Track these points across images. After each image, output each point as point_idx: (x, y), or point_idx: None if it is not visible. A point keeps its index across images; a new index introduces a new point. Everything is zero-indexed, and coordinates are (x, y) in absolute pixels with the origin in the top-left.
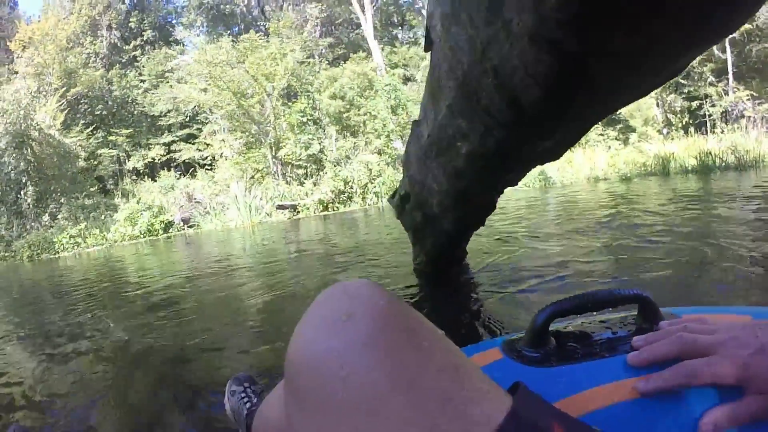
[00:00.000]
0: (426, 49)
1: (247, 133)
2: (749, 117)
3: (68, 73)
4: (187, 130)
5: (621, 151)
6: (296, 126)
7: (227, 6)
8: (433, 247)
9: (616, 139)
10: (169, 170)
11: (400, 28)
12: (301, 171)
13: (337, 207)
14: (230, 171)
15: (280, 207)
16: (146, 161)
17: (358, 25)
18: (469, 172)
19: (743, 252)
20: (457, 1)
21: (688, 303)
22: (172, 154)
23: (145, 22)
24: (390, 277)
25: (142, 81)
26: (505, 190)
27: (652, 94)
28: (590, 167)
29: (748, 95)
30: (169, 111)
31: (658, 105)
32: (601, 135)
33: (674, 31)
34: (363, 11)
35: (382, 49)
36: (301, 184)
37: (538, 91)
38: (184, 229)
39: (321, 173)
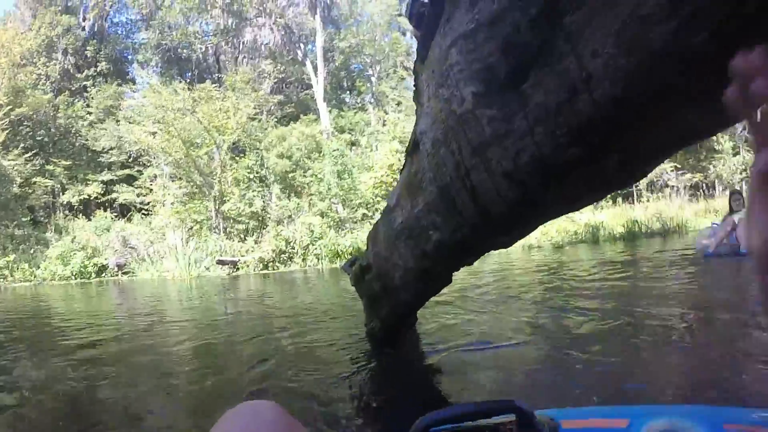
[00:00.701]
0: (408, 152)
1: (191, 183)
2: (672, 186)
3: (16, 92)
4: (127, 171)
5: (553, 220)
6: (242, 182)
7: (184, 51)
8: (390, 314)
9: None
10: (105, 210)
11: (348, 93)
12: (241, 227)
13: (278, 266)
14: (169, 219)
15: (221, 262)
16: (81, 197)
17: (309, 86)
18: (435, 256)
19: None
20: (450, 134)
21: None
22: (109, 195)
23: (102, 52)
24: (341, 340)
25: (89, 113)
26: None
27: None
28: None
29: (671, 167)
30: (111, 148)
31: None
32: None
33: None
34: (315, 73)
35: (330, 112)
36: (243, 240)
37: (505, 207)
38: (117, 275)
39: (262, 231)
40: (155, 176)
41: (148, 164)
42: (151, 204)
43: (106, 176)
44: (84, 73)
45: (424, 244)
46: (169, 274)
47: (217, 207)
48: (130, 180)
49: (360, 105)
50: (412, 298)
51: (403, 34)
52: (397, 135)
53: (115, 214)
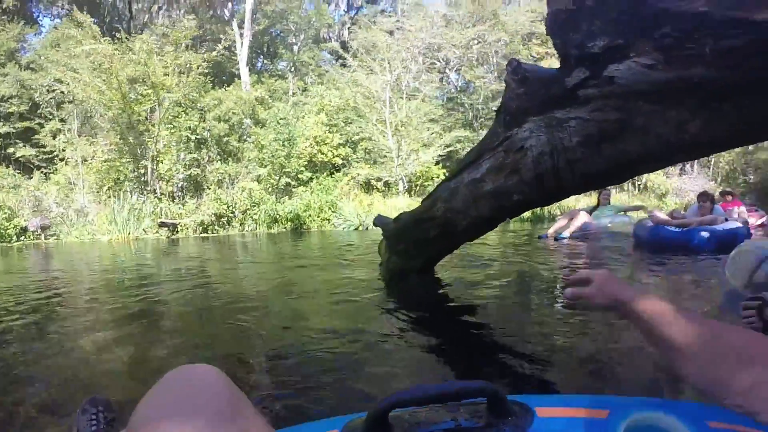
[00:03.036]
0: (504, 150)
1: (123, 140)
2: None
3: None
4: (26, 123)
5: None
6: (181, 142)
7: None
8: (437, 252)
9: None
10: (7, 166)
11: (270, 59)
12: (173, 189)
13: (217, 230)
14: (79, 178)
15: (162, 224)
16: None
17: (227, 47)
18: (509, 209)
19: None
20: (555, 152)
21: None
22: (8, 148)
23: None
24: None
25: None
26: None
27: None
28: None
29: None
30: (12, 97)
31: None
32: None
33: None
34: (242, 36)
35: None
36: (182, 203)
37: (570, 187)
38: (40, 238)
39: (199, 194)
40: (58, 130)
41: (50, 117)
42: (50, 159)
43: (3, 128)
44: None
45: (505, 201)
46: (104, 237)
47: (154, 167)
48: (29, 133)
49: (280, 72)
50: (462, 240)
51: (328, 4)
52: (324, 106)
53: (18, 171)
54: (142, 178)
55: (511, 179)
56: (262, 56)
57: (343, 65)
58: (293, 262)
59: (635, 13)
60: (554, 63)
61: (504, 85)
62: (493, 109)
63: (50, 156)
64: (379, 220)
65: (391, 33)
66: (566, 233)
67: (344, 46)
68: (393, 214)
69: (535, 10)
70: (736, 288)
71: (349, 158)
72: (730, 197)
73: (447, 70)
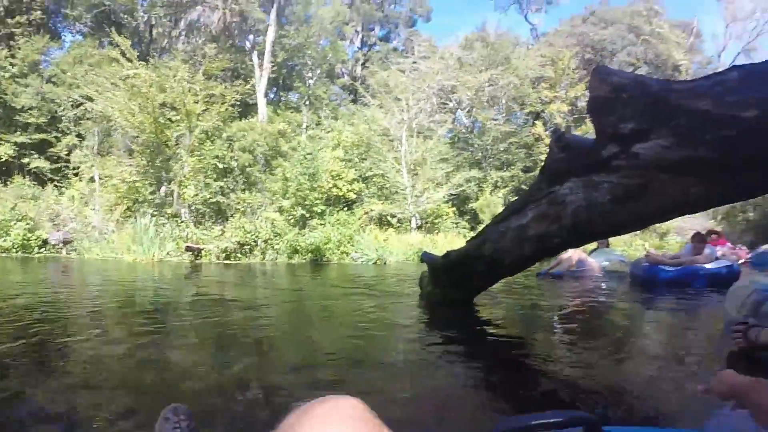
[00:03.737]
0: (546, 202)
1: (148, 163)
2: None
3: None
4: (43, 135)
5: (468, 236)
6: (208, 170)
7: (125, 16)
8: (481, 285)
9: (464, 227)
10: (24, 177)
11: (285, 92)
12: (196, 214)
13: (239, 257)
14: (102, 195)
15: (189, 248)
16: None
17: (245, 78)
18: (550, 249)
19: None
20: (589, 205)
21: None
22: (23, 159)
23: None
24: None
25: (12, 64)
26: None
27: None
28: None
29: None
30: (31, 108)
31: (504, 205)
32: (455, 223)
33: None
34: (261, 66)
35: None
36: (206, 228)
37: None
38: (60, 252)
39: (221, 221)
40: (74, 145)
41: (68, 132)
42: (64, 175)
43: (20, 138)
44: (15, 19)
45: (547, 244)
46: (128, 256)
47: (180, 192)
48: (44, 145)
49: (295, 105)
50: (506, 274)
51: (342, 40)
52: (340, 141)
53: (33, 182)
54: (164, 201)
55: (553, 226)
56: (276, 88)
57: (354, 101)
58: (336, 290)
59: (658, 106)
60: (562, 107)
61: (512, 127)
62: (501, 149)
63: (64, 170)
64: (426, 256)
65: (402, 71)
66: (561, 270)
67: (356, 81)
68: (407, 250)
69: (545, 55)
70: (736, 317)
71: (362, 193)
72: (715, 236)
73: (459, 111)
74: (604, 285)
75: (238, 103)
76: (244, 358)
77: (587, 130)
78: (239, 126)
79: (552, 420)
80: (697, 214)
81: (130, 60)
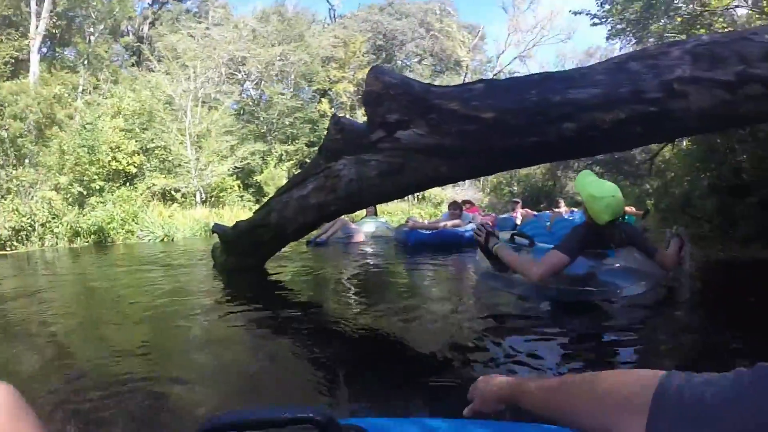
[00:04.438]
0: (324, 175)
1: None
2: None
3: None
4: None
5: (254, 209)
6: None
7: None
8: (269, 252)
9: (249, 200)
10: None
11: (63, 47)
12: None
13: (15, 246)
14: None
15: None
16: None
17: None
18: (328, 215)
19: None
20: (360, 177)
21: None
22: None
23: None
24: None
25: None
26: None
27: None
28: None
29: None
30: None
31: (287, 178)
32: (239, 196)
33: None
34: (38, 17)
35: None
36: None
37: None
38: None
39: None
40: None
41: None
42: None
43: None
44: None
45: (325, 211)
46: None
47: None
48: None
49: (71, 64)
50: (291, 239)
51: None
52: (121, 109)
53: None
54: None
55: (330, 196)
56: (51, 42)
57: (137, 64)
58: (126, 270)
59: (417, 103)
60: (348, 87)
61: (298, 102)
62: (287, 123)
63: None
64: (218, 228)
65: (193, 37)
66: (324, 237)
67: (142, 42)
68: (193, 225)
69: (338, 37)
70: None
71: (143, 167)
72: (469, 205)
73: (247, 83)
74: (370, 249)
75: (12, 60)
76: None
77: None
78: (10, 88)
79: (270, 418)
80: (467, 187)
81: None
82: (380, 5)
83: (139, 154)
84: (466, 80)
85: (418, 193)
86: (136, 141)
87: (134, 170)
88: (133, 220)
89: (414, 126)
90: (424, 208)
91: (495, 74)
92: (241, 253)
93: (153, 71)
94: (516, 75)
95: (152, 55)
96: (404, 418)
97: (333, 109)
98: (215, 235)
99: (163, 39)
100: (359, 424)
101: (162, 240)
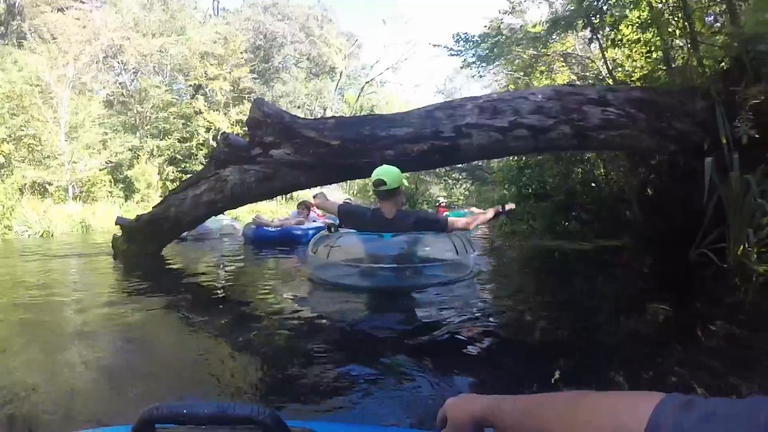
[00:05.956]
0: (212, 173)
1: None
2: None
3: None
4: None
5: (125, 205)
6: None
7: None
8: (166, 240)
9: (118, 196)
10: None
11: None
12: None
13: None
14: None
15: None
16: None
17: None
18: (214, 212)
19: None
20: (247, 181)
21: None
22: None
23: None
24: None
25: None
26: None
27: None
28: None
29: None
30: None
31: (159, 174)
32: (109, 191)
33: None
34: None
35: None
36: None
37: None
38: None
39: None
40: None
41: None
42: None
43: None
44: None
45: (214, 208)
46: None
47: None
48: None
49: None
50: (186, 229)
51: None
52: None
53: None
54: None
55: (219, 195)
56: None
57: (2, 36)
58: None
59: (287, 130)
60: (224, 84)
61: (173, 96)
62: (160, 117)
63: None
64: (121, 220)
65: (77, 19)
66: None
67: (13, 11)
68: (68, 221)
69: (219, 33)
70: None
71: (11, 157)
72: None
73: (123, 73)
74: (223, 245)
75: None
76: None
77: (242, 110)
78: None
79: (214, 414)
80: (333, 189)
81: None
82: (265, 4)
83: (7, 143)
84: (340, 84)
85: (287, 195)
86: (6, 128)
87: (2, 160)
88: (10, 214)
89: (283, 146)
90: (292, 207)
91: (368, 81)
92: (143, 241)
93: (24, 48)
94: (386, 83)
95: (30, 32)
96: (357, 425)
97: (206, 105)
98: (115, 227)
99: (41, 16)
100: (310, 427)
101: (42, 235)
